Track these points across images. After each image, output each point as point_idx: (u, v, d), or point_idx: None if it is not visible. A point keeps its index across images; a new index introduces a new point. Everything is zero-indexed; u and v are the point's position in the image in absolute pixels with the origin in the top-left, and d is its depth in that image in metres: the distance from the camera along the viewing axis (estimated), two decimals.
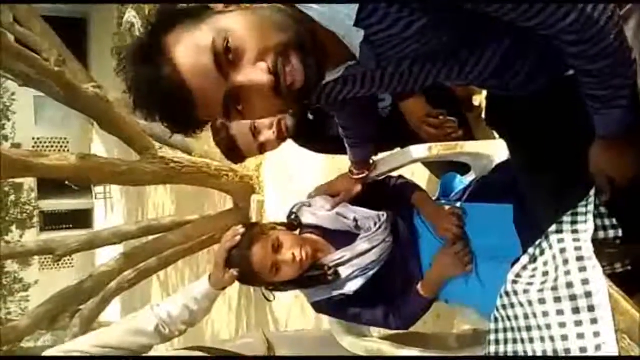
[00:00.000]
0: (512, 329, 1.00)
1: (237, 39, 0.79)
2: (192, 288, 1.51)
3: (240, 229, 1.41)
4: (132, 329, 1.47)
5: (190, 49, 0.80)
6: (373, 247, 1.44)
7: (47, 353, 1.45)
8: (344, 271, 1.44)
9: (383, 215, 1.47)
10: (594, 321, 0.87)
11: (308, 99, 0.88)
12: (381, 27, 0.83)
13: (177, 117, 0.85)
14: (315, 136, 1.81)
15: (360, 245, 1.45)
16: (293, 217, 1.56)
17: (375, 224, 1.46)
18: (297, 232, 1.55)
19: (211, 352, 1.54)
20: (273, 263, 1.38)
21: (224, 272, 1.42)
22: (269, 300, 1.52)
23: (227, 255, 1.41)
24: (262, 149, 1.70)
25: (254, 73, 0.79)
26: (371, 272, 1.44)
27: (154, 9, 0.84)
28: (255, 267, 1.38)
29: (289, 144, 1.86)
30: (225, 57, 0.79)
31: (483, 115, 1.28)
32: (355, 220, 1.48)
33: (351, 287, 1.44)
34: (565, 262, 0.91)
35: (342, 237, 1.49)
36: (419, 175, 2.35)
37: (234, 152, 1.70)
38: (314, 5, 0.82)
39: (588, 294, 0.88)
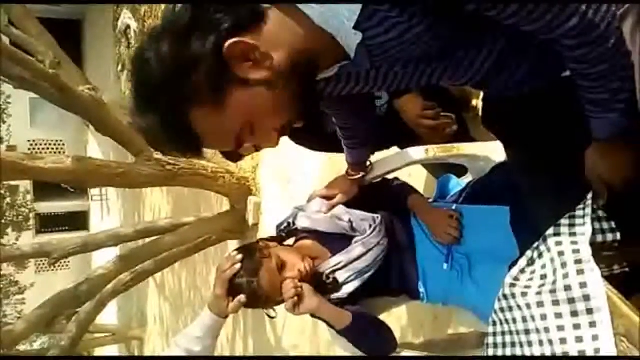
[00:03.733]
0: (511, 333, 0.99)
1: (257, 126, 0.91)
2: (192, 329, 1.42)
3: (238, 256, 1.37)
4: None
5: (216, 131, 0.89)
6: (368, 251, 1.43)
7: None
8: (340, 276, 1.43)
9: (378, 217, 1.47)
10: (592, 324, 0.87)
11: None
12: (379, 31, 0.83)
13: (184, 152, 0.95)
14: (311, 133, 1.80)
15: (356, 249, 1.44)
16: (285, 226, 1.54)
17: (371, 226, 1.45)
18: (293, 239, 1.54)
19: None
20: (282, 283, 1.36)
21: (227, 302, 1.37)
22: (271, 317, 1.48)
23: (229, 285, 1.36)
24: (258, 146, 1.70)
25: (267, 138, 0.94)
26: (367, 275, 1.44)
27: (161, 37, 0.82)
28: (268, 291, 1.35)
29: (287, 146, 1.85)
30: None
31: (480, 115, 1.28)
32: (351, 222, 1.47)
33: (347, 290, 1.43)
34: (564, 265, 0.91)
35: (337, 241, 1.48)
36: (417, 177, 2.35)
37: (230, 151, 1.71)
38: (315, 5, 0.81)
39: (586, 297, 0.88)
